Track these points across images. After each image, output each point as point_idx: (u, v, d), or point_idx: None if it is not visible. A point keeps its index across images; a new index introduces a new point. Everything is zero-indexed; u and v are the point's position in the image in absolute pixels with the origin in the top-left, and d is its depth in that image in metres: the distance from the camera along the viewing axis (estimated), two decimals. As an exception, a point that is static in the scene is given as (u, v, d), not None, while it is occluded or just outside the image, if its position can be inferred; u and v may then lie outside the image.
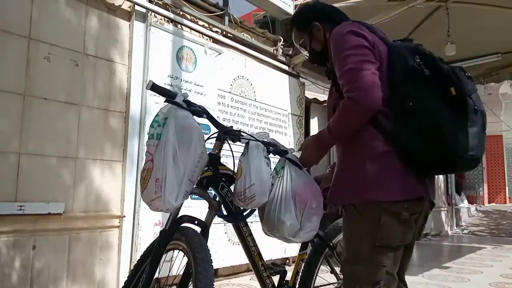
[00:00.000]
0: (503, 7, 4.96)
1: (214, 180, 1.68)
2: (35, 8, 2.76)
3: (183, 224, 1.58)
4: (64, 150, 2.85)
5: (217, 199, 1.71)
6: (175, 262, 1.66)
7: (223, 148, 1.73)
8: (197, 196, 1.67)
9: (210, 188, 1.69)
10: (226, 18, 4.16)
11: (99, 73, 3.09)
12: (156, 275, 1.54)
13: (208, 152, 1.60)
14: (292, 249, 4.26)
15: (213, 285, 1.37)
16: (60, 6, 2.90)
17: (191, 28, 3.74)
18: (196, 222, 1.60)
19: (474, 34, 5.59)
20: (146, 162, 1.46)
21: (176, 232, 1.56)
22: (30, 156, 2.68)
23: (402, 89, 1.39)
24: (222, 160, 1.74)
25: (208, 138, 1.70)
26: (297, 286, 1.94)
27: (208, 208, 1.67)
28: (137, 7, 3.30)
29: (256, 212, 1.75)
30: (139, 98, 3.25)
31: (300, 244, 1.96)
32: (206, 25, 3.92)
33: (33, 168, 2.69)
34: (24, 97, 2.68)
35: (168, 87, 3.36)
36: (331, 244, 2.03)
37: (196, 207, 2.13)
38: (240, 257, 3.44)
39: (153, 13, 3.37)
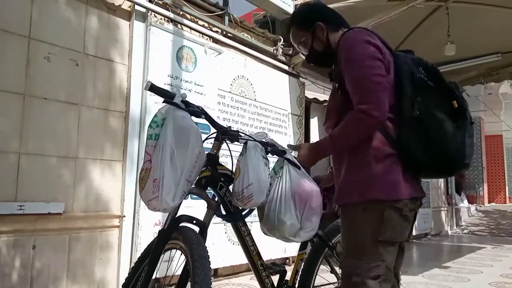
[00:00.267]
0: (503, 7, 4.96)
1: (212, 180, 1.68)
2: (35, 8, 2.76)
3: (182, 224, 1.59)
4: (64, 150, 2.86)
5: (216, 199, 1.72)
6: (174, 262, 1.66)
7: (221, 148, 1.74)
8: (196, 196, 1.67)
9: (208, 188, 1.69)
10: (226, 18, 4.16)
11: (99, 73, 3.09)
12: (154, 275, 1.55)
13: (206, 152, 1.60)
14: (291, 249, 4.27)
15: (211, 280, 1.37)
16: (60, 6, 2.90)
17: (191, 28, 3.74)
18: (194, 221, 1.61)
19: (474, 34, 5.58)
20: (145, 162, 1.47)
21: (174, 232, 1.57)
22: (30, 156, 2.69)
23: (409, 98, 1.46)
24: (221, 160, 1.74)
25: (207, 138, 1.70)
26: (296, 285, 1.95)
27: (207, 207, 1.68)
28: (137, 7, 3.31)
29: (256, 212, 1.75)
30: (139, 98, 3.26)
31: (299, 243, 1.96)
32: (206, 25, 3.93)
33: (33, 168, 2.69)
34: (24, 97, 2.68)
35: (168, 87, 3.36)
36: (331, 243, 2.04)
37: (197, 207, 2.13)
38: (240, 257, 3.44)
39: (153, 13, 3.37)
